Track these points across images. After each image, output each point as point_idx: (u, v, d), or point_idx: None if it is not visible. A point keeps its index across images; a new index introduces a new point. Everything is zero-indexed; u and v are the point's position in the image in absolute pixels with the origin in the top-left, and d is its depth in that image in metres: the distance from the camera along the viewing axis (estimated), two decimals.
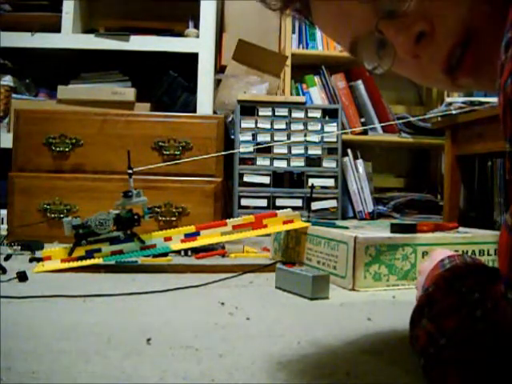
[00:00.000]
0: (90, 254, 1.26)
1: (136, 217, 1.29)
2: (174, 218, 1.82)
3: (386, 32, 0.53)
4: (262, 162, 2.19)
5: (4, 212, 1.83)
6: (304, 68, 2.59)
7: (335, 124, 2.23)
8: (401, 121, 2.57)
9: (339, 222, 1.45)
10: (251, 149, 2.17)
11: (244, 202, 2.16)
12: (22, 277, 1.10)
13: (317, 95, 2.55)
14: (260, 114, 2.20)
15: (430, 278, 0.60)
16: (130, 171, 1.31)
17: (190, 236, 1.31)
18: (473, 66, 0.52)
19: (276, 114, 2.20)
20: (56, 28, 2.17)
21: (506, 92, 0.41)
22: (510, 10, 0.43)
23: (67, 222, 1.26)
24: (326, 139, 2.22)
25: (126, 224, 1.28)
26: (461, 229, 1.29)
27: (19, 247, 1.50)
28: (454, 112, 2.09)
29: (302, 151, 2.21)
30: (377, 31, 0.53)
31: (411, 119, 2.46)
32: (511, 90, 0.40)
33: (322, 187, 2.20)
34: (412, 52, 0.53)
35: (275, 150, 2.19)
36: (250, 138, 2.20)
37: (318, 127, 2.23)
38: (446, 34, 0.51)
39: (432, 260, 0.66)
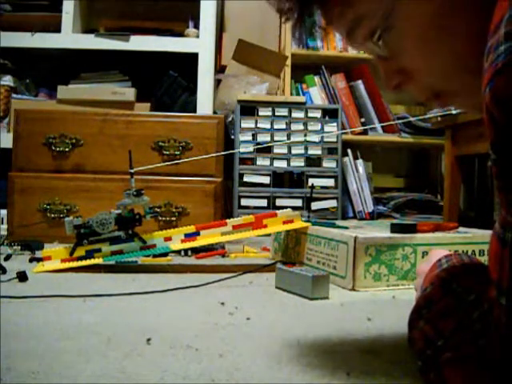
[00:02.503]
0: (90, 254, 1.26)
1: (137, 217, 1.29)
2: (173, 218, 1.83)
3: (377, 60, 0.58)
4: (262, 161, 2.19)
5: (4, 212, 1.83)
6: (304, 68, 2.59)
7: (335, 124, 2.23)
8: (401, 121, 2.57)
9: (339, 222, 1.44)
10: (251, 149, 2.17)
11: (244, 202, 2.16)
12: (22, 277, 1.10)
13: (317, 95, 2.55)
14: (260, 113, 2.20)
15: (427, 279, 0.60)
16: (132, 171, 1.32)
17: (189, 236, 1.31)
18: (449, 102, 0.58)
19: (276, 113, 2.20)
20: (56, 28, 2.18)
21: (486, 102, 0.41)
22: (493, 19, 0.43)
23: (68, 222, 1.26)
24: (326, 139, 2.22)
25: (128, 224, 1.28)
26: (461, 229, 1.29)
27: (19, 247, 1.50)
28: (454, 112, 2.09)
29: (302, 151, 2.21)
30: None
31: (411, 119, 2.46)
32: (489, 99, 0.41)
33: (322, 187, 2.20)
34: (392, 90, 0.59)
35: (275, 150, 2.19)
36: (250, 138, 2.20)
37: (318, 127, 2.23)
38: (423, 87, 0.56)
39: (430, 260, 0.66)
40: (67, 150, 1.83)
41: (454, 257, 0.62)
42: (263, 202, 2.16)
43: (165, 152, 1.85)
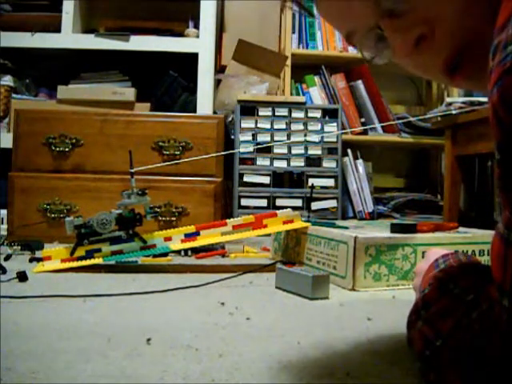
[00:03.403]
0: (90, 254, 1.26)
1: (138, 217, 1.29)
2: (173, 218, 1.83)
3: (386, 31, 0.53)
4: (261, 161, 2.19)
5: (4, 212, 1.83)
6: (304, 68, 2.59)
7: (335, 124, 2.23)
8: (401, 121, 2.57)
9: (339, 222, 1.45)
10: (251, 149, 2.17)
11: (244, 202, 2.16)
12: (22, 277, 1.10)
13: (317, 95, 2.55)
14: (260, 114, 2.20)
15: (425, 280, 0.60)
16: (132, 171, 1.32)
17: (189, 236, 1.31)
18: (469, 71, 0.52)
19: (276, 114, 2.20)
20: (56, 28, 2.18)
21: (493, 101, 0.41)
22: (498, 18, 0.43)
23: (69, 222, 1.26)
24: (326, 139, 2.22)
25: (129, 224, 1.28)
26: (461, 229, 1.29)
27: (19, 247, 1.50)
28: (454, 112, 2.09)
29: (302, 151, 2.21)
30: (377, 28, 0.53)
31: (411, 119, 2.46)
32: (496, 99, 0.41)
33: (322, 187, 2.20)
34: (410, 54, 0.53)
35: (275, 150, 2.19)
36: (250, 138, 2.20)
37: (318, 127, 2.23)
38: (446, 39, 0.51)
39: (427, 260, 0.66)
40: (67, 150, 1.83)
41: (451, 256, 0.62)
42: (263, 202, 2.16)
43: (165, 152, 1.85)
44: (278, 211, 1.35)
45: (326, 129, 2.22)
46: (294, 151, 2.20)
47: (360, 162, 2.50)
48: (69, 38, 2.18)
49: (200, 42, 2.21)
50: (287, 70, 2.48)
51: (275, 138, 2.20)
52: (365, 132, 2.54)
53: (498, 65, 0.41)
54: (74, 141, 1.84)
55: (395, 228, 1.18)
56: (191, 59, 2.18)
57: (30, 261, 1.34)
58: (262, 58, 2.37)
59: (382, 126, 2.52)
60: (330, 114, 2.25)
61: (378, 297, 1.03)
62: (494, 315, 0.44)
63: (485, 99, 2.01)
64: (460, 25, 0.50)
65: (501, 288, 0.43)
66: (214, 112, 2.24)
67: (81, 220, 1.26)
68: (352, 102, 2.58)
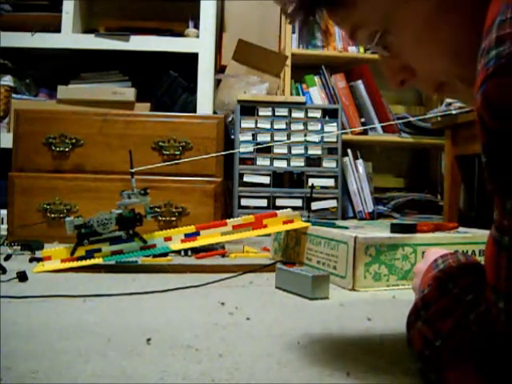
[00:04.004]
0: (90, 254, 1.26)
1: (138, 217, 1.29)
2: (173, 218, 1.83)
3: (380, 61, 0.59)
4: (262, 161, 2.19)
5: (4, 212, 1.83)
6: (304, 68, 2.59)
7: (335, 124, 2.23)
8: (401, 121, 2.57)
9: (339, 222, 1.45)
10: (251, 149, 2.17)
11: (244, 202, 2.16)
12: (22, 277, 1.10)
13: (317, 95, 2.55)
14: (260, 113, 2.20)
15: (424, 280, 0.60)
16: (132, 171, 1.32)
17: (189, 236, 1.31)
18: (455, 89, 0.57)
19: (276, 113, 2.20)
20: (56, 28, 2.18)
21: (477, 105, 0.42)
22: (486, 20, 0.44)
23: (69, 222, 1.26)
24: (326, 139, 2.22)
25: (129, 224, 1.28)
26: (461, 229, 1.29)
27: (19, 247, 1.50)
28: (454, 112, 2.09)
29: (302, 151, 2.21)
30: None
31: (411, 119, 2.46)
32: (480, 103, 0.41)
33: (322, 187, 2.20)
34: (398, 87, 0.59)
35: (275, 150, 2.19)
36: (250, 138, 2.20)
37: (318, 127, 2.23)
38: (427, 79, 0.57)
39: (426, 260, 0.66)
40: (67, 149, 1.83)
41: (450, 256, 0.62)
42: (263, 202, 2.16)
43: (165, 152, 1.85)
44: (277, 211, 1.35)
45: (326, 129, 2.22)
46: (294, 151, 2.20)
47: (360, 162, 2.50)
48: (69, 38, 2.18)
49: (200, 42, 2.21)
50: (287, 70, 2.47)
51: (275, 138, 2.20)
52: (365, 132, 2.54)
53: (481, 69, 0.42)
54: (73, 141, 1.84)
55: (395, 228, 1.18)
56: (191, 59, 2.18)
57: (30, 261, 1.34)
58: (262, 58, 2.37)
59: (382, 126, 2.52)
60: (330, 114, 2.25)
61: (378, 297, 1.03)
62: (491, 317, 0.44)
63: None
64: (437, 72, 0.55)
65: (495, 290, 0.43)
66: (214, 112, 2.24)
67: (81, 220, 1.26)
68: (352, 102, 2.58)
